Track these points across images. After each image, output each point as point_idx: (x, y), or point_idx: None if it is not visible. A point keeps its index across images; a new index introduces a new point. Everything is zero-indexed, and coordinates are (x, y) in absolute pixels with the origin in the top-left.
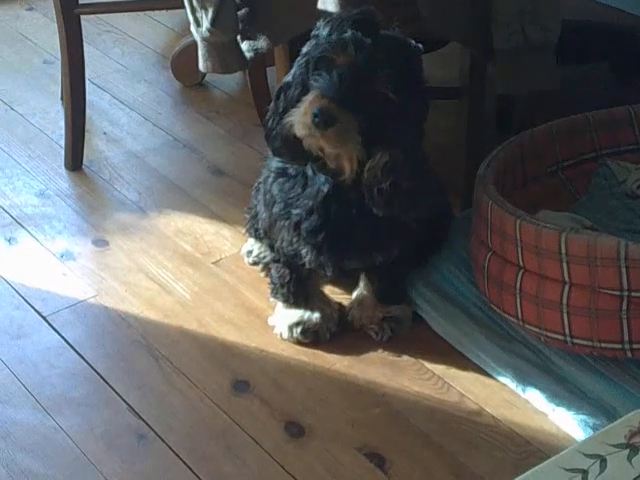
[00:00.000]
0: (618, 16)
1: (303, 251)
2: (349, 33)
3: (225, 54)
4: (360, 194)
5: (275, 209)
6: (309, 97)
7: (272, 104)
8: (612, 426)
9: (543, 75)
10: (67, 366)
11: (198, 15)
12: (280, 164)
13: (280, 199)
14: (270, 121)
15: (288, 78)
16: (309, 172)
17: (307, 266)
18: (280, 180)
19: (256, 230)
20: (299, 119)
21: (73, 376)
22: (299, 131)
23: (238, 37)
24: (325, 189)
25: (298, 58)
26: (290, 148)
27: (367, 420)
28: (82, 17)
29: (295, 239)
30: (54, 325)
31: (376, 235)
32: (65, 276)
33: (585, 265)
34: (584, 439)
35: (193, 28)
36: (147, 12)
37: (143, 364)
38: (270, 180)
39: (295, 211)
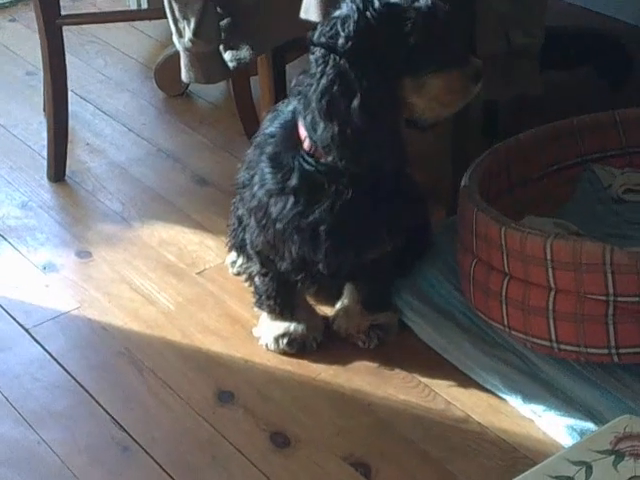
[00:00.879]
0: (602, 21)
1: (319, 256)
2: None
3: (208, 64)
4: (378, 184)
5: (278, 226)
6: (448, 70)
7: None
8: (598, 432)
9: (527, 80)
10: (50, 379)
11: (180, 25)
12: (273, 185)
13: (283, 216)
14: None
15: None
16: (326, 185)
17: (322, 271)
18: (278, 200)
19: (240, 247)
20: (454, 87)
21: (56, 389)
22: (456, 98)
23: (221, 47)
24: (349, 193)
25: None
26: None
27: (353, 429)
28: (65, 28)
29: (311, 247)
30: (37, 337)
31: (387, 221)
32: (48, 288)
33: (571, 271)
34: (570, 446)
35: (175, 38)
36: (130, 22)
37: (127, 376)
38: (264, 204)
39: (307, 220)
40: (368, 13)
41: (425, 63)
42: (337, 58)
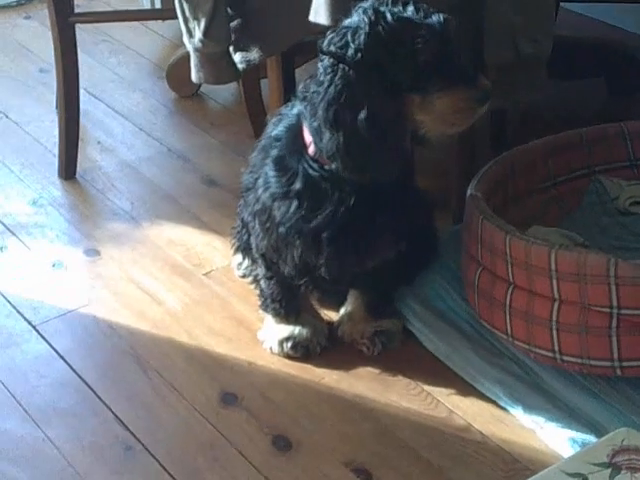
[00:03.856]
0: (616, 33)
1: (321, 261)
2: (431, 18)
3: (217, 65)
4: (381, 192)
5: (281, 230)
6: (453, 88)
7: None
8: (595, 445)
9: (534, 87)
10: (56, 376)
11: (190, 26)
12: (277, 189)
13: (286, 220)
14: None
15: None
16: (329, 191)
17: (324, 276)
18: (282, 204)
19: (245, 249)
20: (460, 107)
21: (62, 386)
22: (462, 119)
23: (231, 48)
24: (351, 200)
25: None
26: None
27: (355, 435)
28: (78, 26)
29: (313, 252)
30: (44, 334)
31: (389, 228)
32: (56, 285)
33: (575, 282)
34: (567, 458)
35: (186, 39)
36: (143, 22)
37: (132, 375)
38: (268, 207)
39: (310, 225)
40: (380, 27)
41: (433, 81)
42: (346, 69)
